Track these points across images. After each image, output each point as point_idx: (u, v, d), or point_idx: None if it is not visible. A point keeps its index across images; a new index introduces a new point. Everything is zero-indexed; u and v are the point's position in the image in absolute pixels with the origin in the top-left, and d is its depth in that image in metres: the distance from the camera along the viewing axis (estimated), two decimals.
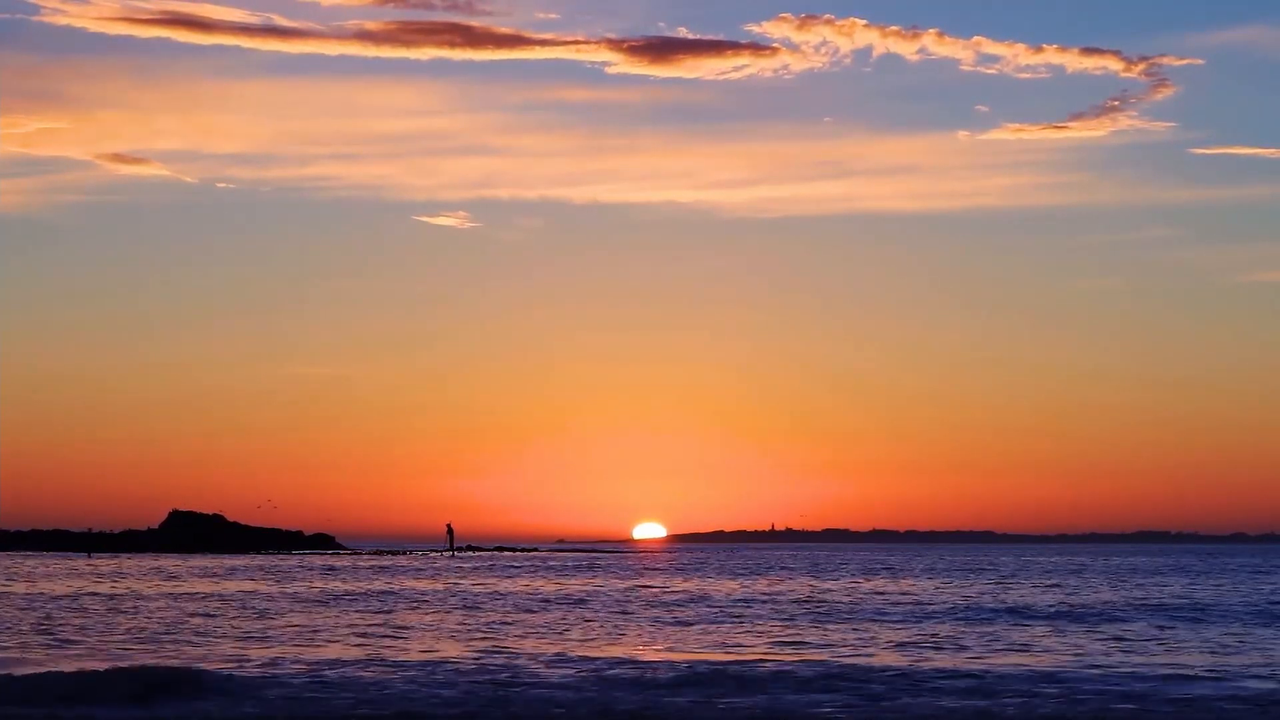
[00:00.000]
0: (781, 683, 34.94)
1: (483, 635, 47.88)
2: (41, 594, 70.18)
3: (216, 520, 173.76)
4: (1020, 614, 58.30)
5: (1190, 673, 37.56)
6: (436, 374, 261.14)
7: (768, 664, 38.78)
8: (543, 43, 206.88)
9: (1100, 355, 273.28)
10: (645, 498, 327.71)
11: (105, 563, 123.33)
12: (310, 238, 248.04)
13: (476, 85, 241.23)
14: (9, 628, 49.74)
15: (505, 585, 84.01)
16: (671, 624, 53.17)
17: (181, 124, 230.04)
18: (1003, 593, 75.66)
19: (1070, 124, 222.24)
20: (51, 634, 47.47)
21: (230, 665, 37.80)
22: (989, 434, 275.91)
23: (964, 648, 43.77)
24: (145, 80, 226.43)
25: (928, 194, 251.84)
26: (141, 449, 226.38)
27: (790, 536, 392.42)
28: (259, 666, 37.71)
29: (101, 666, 36.68)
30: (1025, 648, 43.92)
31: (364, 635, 47.61)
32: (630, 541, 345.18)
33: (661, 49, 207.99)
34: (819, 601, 66.94)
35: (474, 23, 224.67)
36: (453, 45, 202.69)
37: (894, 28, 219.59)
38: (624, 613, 59.05)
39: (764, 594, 74.25)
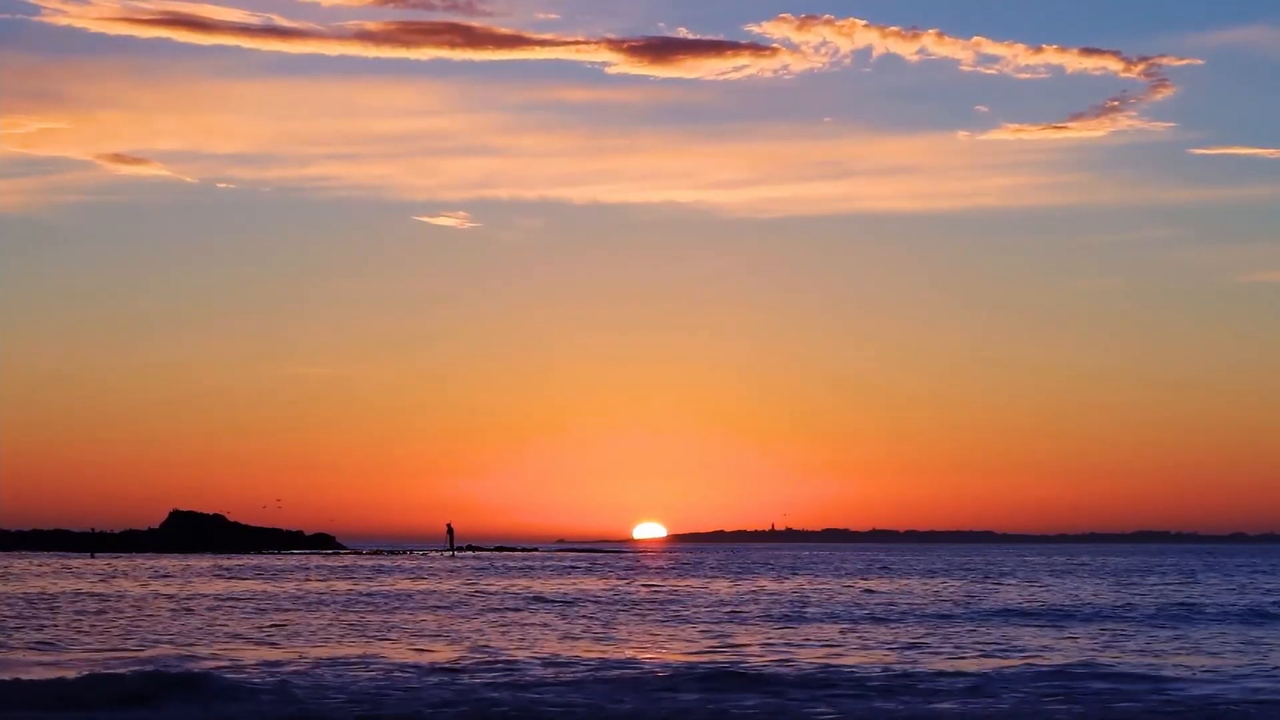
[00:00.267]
0: (780, 682, 34.98)
1: (483, 635, 47.94)
2: (42, 594, 70.24)
3: (217, 520, 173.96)
4: (1020, 614, 58.39)
5: (1190, 673, 37.63)
6: (436, 374, 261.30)
7: (766, 664, 38.83)
8: (543, 43, 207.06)
9: (1100, 355, 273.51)
10: (645, 498, 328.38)
11: (106, 563, 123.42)
12: (310, 238, 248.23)
13: (476, 85, 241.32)
14: (9, 628, 49.78)
15: (506, 585, 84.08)
16: (670, 623, 53.23)
17: (181, 124, 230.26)
18: (1002, 593, 75.75)
19: (1070, 124, 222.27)
20: (52, 635, 47.51)
21: (230, 665, 37.86)
22: (989, 434, 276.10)
23: (963, 647, 43.84)
24: (145, 80, 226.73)
25: (928, 194, 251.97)
26: (142, 449, 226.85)
27: (790, 536, 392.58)
28: (259, 667, 37.76)
29: (102, 668, 36.73)
30: (1025, 648, 43.97)
31: (364, 635, 47.67)
32: (631, 541, 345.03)
33: (661, 49, 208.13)
34: (818, 602, 67.02)
35: (474, 23, 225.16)
36: (453, 45, 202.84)
37: (894, 28, 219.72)
38: (623, 613, 59.13)
39: (763, 594, 74.32)
